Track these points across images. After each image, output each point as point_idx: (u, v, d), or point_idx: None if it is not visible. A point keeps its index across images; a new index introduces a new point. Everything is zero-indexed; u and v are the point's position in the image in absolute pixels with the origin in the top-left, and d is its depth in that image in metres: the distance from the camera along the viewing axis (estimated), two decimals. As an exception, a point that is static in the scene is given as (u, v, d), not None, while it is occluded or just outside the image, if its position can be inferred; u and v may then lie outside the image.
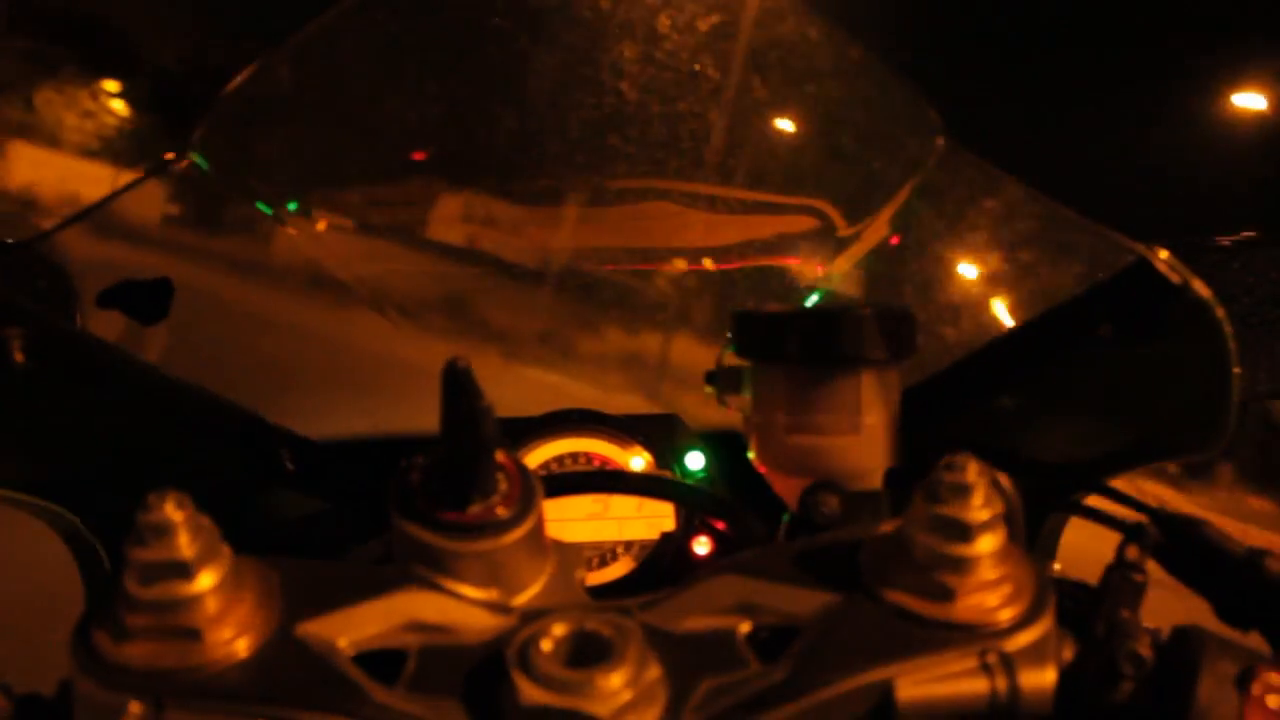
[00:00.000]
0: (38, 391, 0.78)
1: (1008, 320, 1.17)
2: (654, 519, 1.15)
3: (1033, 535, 0.90)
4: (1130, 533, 0.62)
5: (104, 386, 0.83)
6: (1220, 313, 0.72)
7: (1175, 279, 0.73)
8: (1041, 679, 0.46)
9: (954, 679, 0.45)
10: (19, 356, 0.74)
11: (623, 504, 1.15)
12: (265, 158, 1.35)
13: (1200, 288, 0.72)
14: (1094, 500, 0.75)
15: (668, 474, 1.15)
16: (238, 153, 1.24)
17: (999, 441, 0.84)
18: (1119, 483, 0.79)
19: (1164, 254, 0.75)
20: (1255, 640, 0.58)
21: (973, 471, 0.47)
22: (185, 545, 0.44)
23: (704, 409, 1.20)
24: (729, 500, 0.89)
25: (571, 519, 1.14)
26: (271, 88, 1.20)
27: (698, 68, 1.29)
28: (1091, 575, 0.57)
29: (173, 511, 0.45)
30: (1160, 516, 0.64)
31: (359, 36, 1.23)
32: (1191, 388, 0.76)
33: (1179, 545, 0.62)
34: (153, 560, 0.44)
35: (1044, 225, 1.08)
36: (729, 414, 0.78)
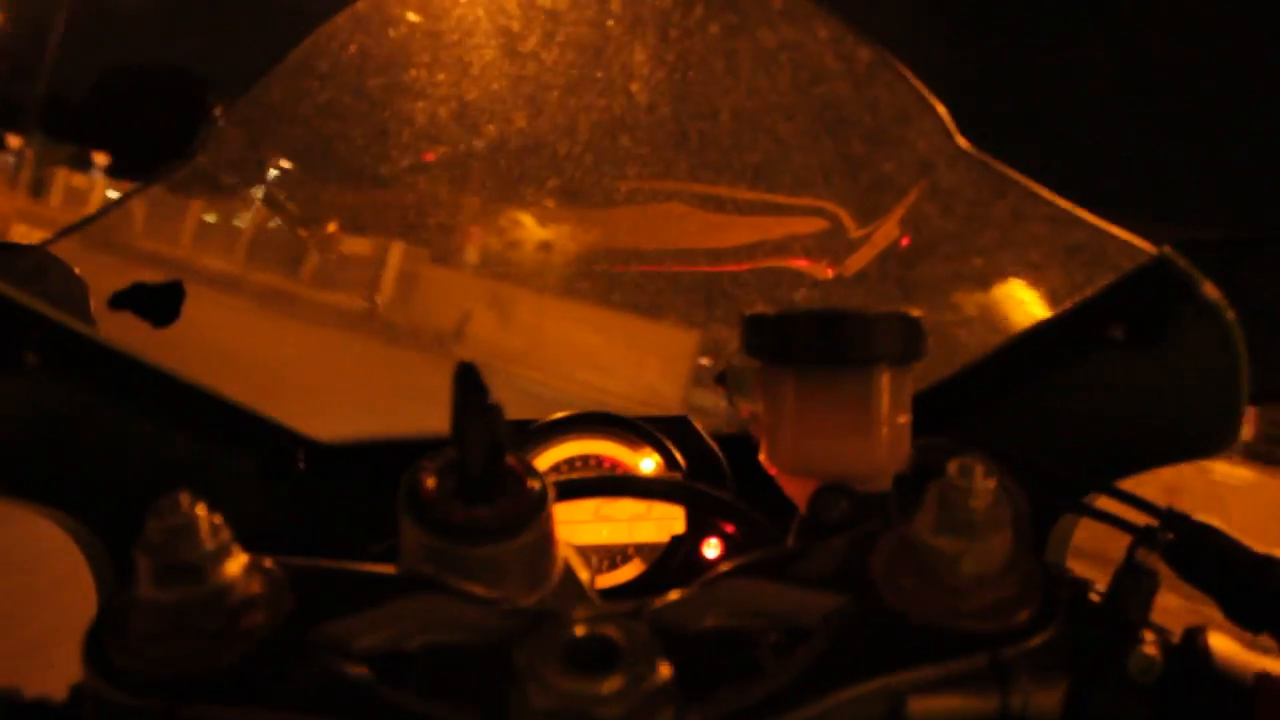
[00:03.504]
0: (50, 393, 0.79)
1: (1019, 322, 1.17)
2: (664, 521, 1.15)
3: (1043, 537, 0.90)
4: (1141, 535, 0.62)
5: (115, 388, 0.83)
6: (1231, 314, 0.72)
7: (1188, 280, 0.73)
8: (1051, 684, 0.46)
9: (963, 683, 0.45)
10: (32, 358, 0.74)
11: (632, 506, 1.15)
12: (275, 160, 1.35)
13: (1211, 288, 0.72)
14: (1104, 502, 0.75)
15: (677, 476, 1.15)
16: (247, 156, 1.24)
17: (1010, 444, 0.84)
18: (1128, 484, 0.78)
19: (1175, 255, 0.75)
20: (1265, 642, 0.58)
21: (982, 474, 0.47)
22: (197, 547, 0.45)
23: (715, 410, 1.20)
24: (738, 503, 0.89)
25: (581, 521, 1.14)
26: (282, 90, 1.20)
27: (708, 69, 1.29)
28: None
29: (185, 513, 0.45)
30: (1171, 519, 0.64)
31: (369, 39, 1.23)
32: (1202, 389, 0.76)
33: (1189, 548, 0.62)
34: (165, 562, 0.44)
35: (1053, 226, 1.08)
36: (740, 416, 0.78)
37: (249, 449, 0.99)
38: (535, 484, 0.53)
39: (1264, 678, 0.48)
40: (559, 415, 1.20)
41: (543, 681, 0.43)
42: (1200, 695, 0.48)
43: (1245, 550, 0.61)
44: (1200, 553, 0.62)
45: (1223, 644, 0.51)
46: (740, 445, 1.15)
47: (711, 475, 1.18)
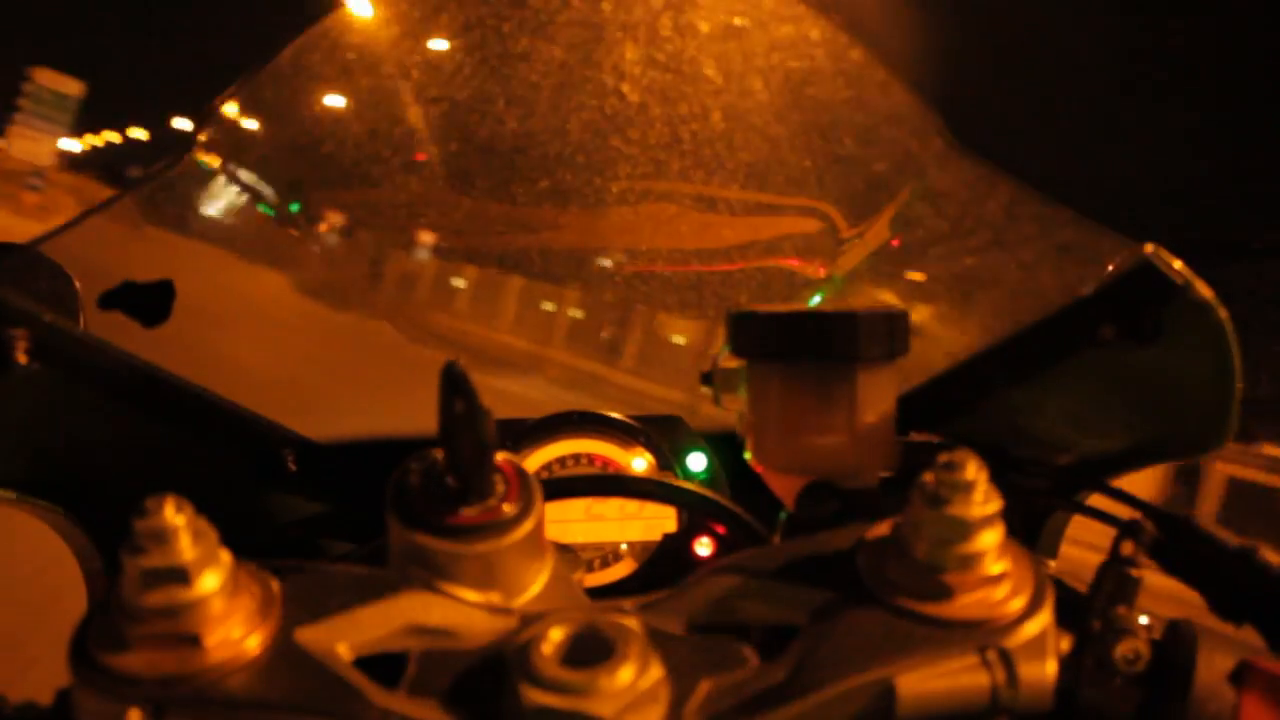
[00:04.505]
0: (40, 393, 0.78)
1: (1009, 322, 1.18)
2: (655, 520, 1.15)
3: (1034, 534, 0.90)
4: (1125, 529, 0.62)
5: (106, 388, 0.83)
6: (1223, 314, 0.72)
7: (1177, 280, 0.73)
8: (1041, 675, 0.46)
9: (954, 676, 0.45)
10: (21, 358, 0.74)
11: (624, 505, 1.15)
12: (269, 159, 1.35)
13: (1202, 288, 0.72)
14: (1091, 497, 0.75)
15: (669, 475, 1.15)
16: (242, 155, 1.24)
17: (1000, 442, 0.85)
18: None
19: (1166, 255, 0.75)
20: (1249, 634, 0.58)
21: (971, 469, 0.47)
22: (184, 551, 0.44)
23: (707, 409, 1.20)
24: (727, 502, 0.89)
25: (572, 520, 1.14)
26: (276, 91, 1.20)
27: (699, 70, 1.29)
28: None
29: (171, 516, 0.44)
30: (1155, 513, 0.64)
31: (363, 40, 1.23)
32: (1193, 389, 0.76)
33: (1173, 541, 0.62)
34: (151, 566, 0.44)
35: (1044, 225, 1.08)
36: (730, 414, 0.78)
37: (239, 448, 0.99)
38: (524, 483, 0.53)
39: (1247, 664, 0.48)
40: (549, 414, 1.20)
41: (534, 680, 0.43)
42: (1186, 685, 0.48)
43: (1226, 542, 0.61)
44: (1184, 545, 0.62)
45: (1207, 634, 0.51)
46: (733, 444, 1.15)
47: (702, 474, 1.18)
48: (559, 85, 1.32)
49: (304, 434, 1.09)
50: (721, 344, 0.74)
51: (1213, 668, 0.48)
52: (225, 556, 0.46)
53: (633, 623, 0.47)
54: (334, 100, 1.33)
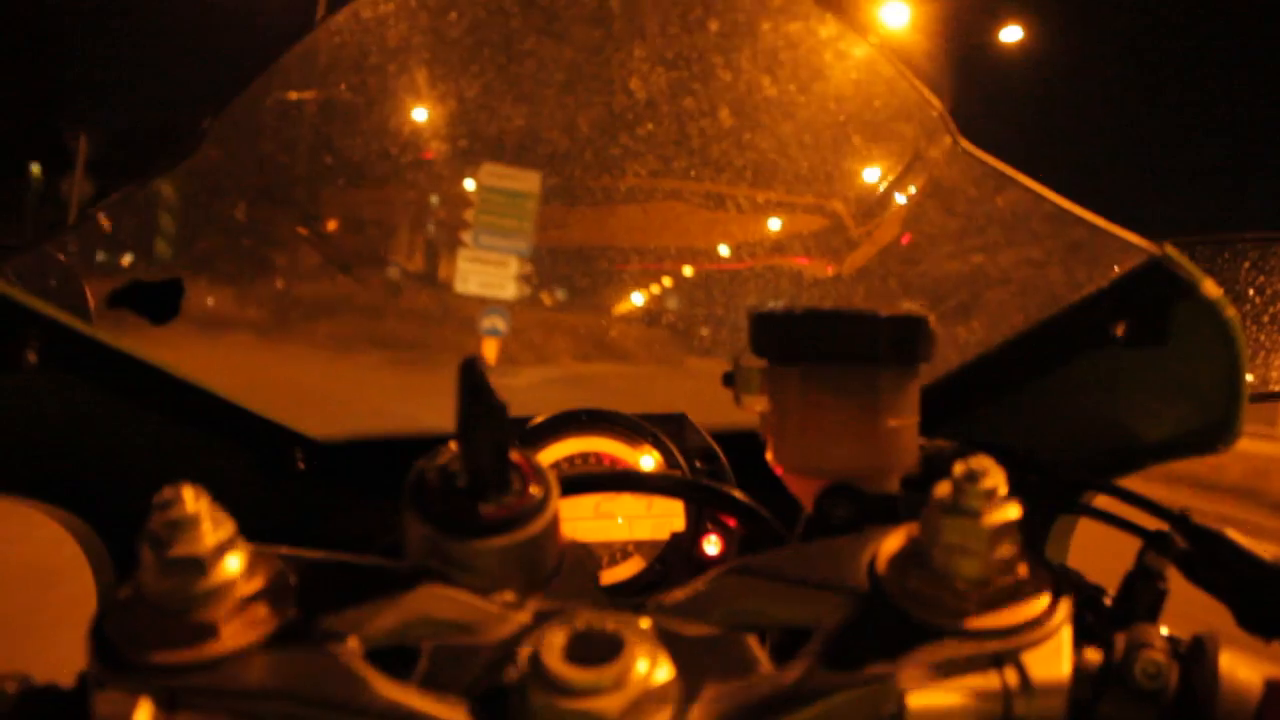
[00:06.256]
0: (50, 392, 0.78)
1: (1019, 320, 1.18)
2: (663, 519, 1.15)
3: (1042, 536, 0.90)
4: (1153, 540, 0.61)
5: (115, 388, 0.83)
6: (1231, 312, 0.72)
7: (1187, 278, 0.73)
8: (1056, 688, 0.45)
9: (967, 685, 0.45)
10: (31, 357, 0.74)
11: (632, 503, 1.15)
12: (276, 156, 1.35)
13: (1211, 287, 0.72)
14: (1109, 503, 0.75)
15: (678, 474, 1.15)
16: (250, 151, 1.24)
17: (1011, 441, 0.84)
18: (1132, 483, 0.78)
19: (1175, 253, 0.74)
20: (1277, 650, 0.58)
21: (989, 477, 0.47)
22: (201, 540, 0.45)
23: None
24: (749, 500, 0.89)
25: (581, 518, 1.14)
26: (284, 88, 1.20)
27: (708, 67, 1.29)
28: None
29: (190, 505, 0.45)
30: (1184, 524, 0.63)
31: (370, 38, 1.23)
32: (1203, 386, 0.76)
33: (1201, 553, 0.62)
34: (168, 554, 0.44)
35: (1054, 223, 1.08)
36: (747, 414, 0.78)
37: (248, 448, 0.99)
38: (540, 479, 0.53)
39: (1273, 684, 0.48)
40: (559, 412, 1.20)
41: (544, 676, 0.43)
42: (1208, 702, 0.48)
43: (1257, 556, 0.60)
44: (1211, 558, 0.61)
45: (1232, 651, 0.50)
46: (739, 442, 1.15)
47: (711, 472, 1.18)
48: (567, 82, 1.32)
49: (315, 432, 1.09)
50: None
51: (1237, 685, 0.48)
52: (242, 545, 0.47)
53: (644, 621, 0.47)
54: (340, 98, 1.33)
